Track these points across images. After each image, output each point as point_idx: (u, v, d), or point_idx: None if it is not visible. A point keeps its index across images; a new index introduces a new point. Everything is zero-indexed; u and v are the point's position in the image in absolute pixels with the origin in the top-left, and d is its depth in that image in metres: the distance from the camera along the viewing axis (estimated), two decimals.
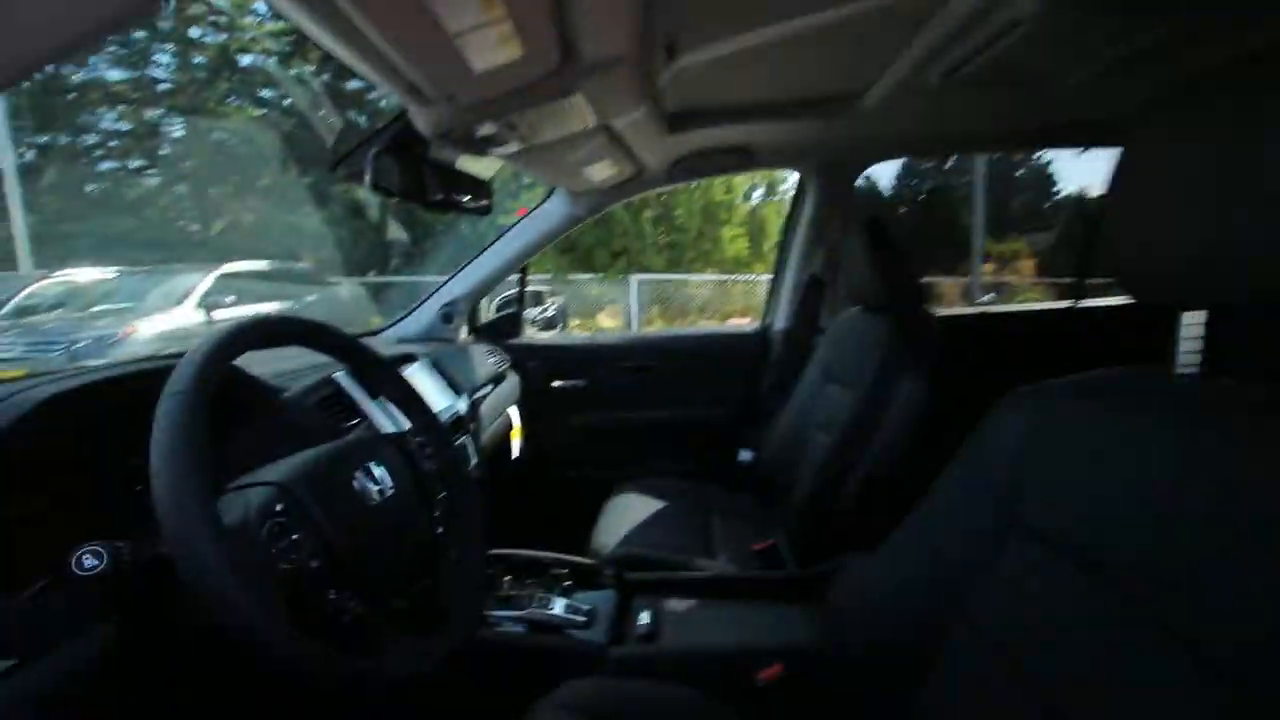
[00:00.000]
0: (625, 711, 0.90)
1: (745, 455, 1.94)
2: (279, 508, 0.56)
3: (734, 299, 10.55)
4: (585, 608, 1.16)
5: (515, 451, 1.91)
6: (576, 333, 2.25)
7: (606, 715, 0.88)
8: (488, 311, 2.19)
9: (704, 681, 0.97)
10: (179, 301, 5.94)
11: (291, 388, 0.94)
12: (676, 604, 1.25)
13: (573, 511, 2.13)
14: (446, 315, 1.96)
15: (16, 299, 6.02)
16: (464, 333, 2.02)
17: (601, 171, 1.57)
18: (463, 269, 1.97)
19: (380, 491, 0.69)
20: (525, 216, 1.94)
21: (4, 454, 0.58)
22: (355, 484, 0.66)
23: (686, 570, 1.38)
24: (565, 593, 1.23)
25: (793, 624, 1.15)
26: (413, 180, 1.10)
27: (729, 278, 11.06)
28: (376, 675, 0.56)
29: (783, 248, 2.13)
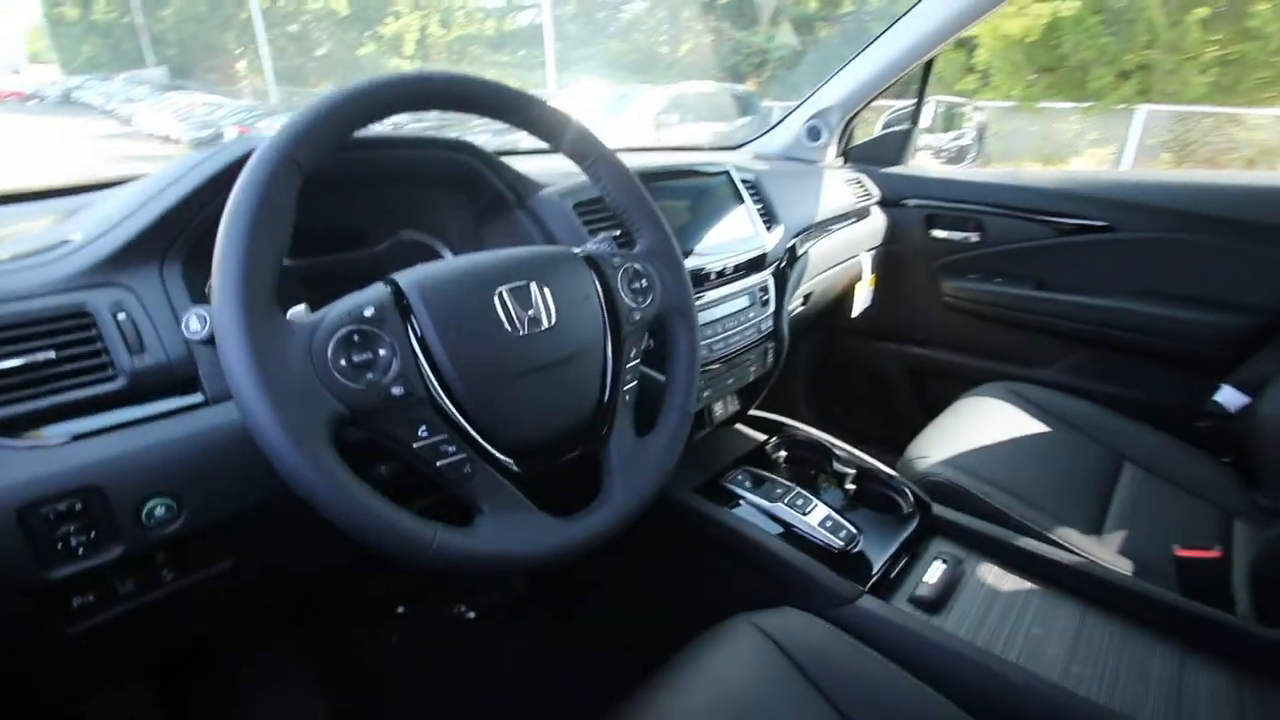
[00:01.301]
0: (852, 689, 0.65)
1: (1229, 398, 1.18)
2: (369, 312, 0.45)
3: None
4: (853, 529, 0.88)
5: (857, 308, 1.56)
6: (995, 169, 1.60)
7: (827, 680, 0.66)
8: (875, 130, 1.73)
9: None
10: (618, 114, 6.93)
11: (556, 184, 0.83)
12: (993, 575, 0.86)
13: (903, 403, 1.72)
14: (812, 130, 1.61)
15: None
16: (832, 154, 1.64)
17: None
18: (840, 70, 1.54)
19: (532, 320, 0.53)
20: None
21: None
22: (497, 304, 0.51)
23: (1034, 534, 0.93)
24: (843, 501, 0.96)
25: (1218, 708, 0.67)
26: None
27: None
28: (453, 557, 0.45)
29: None
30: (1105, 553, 0.92)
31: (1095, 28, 8.69)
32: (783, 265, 1.14)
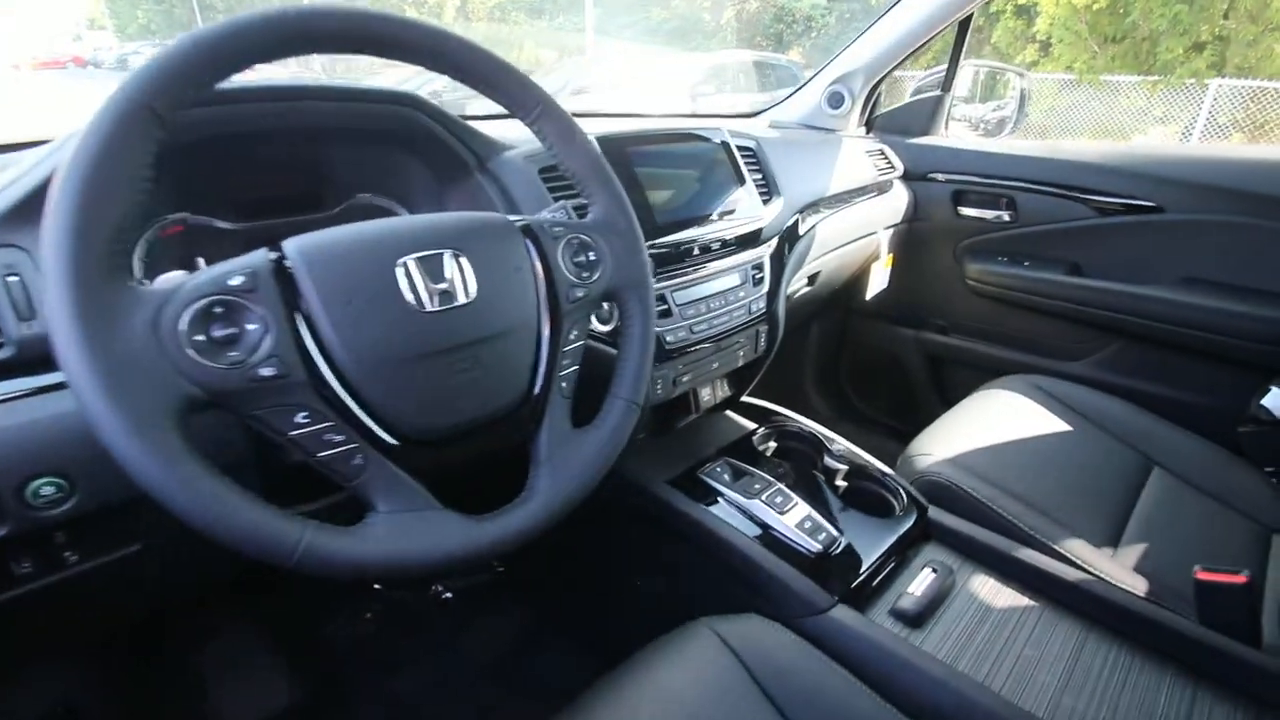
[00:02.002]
0: (809, 706, 0.60)
1: (1277, 402, 1.06)
2: (237, 281, 0.39)
3: None
4: (834, 532, 0.81)
5: (871, 290, 1.46)
6: (1034, 142, 1.47)
7: (784, 694, 0.60)
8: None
9: None
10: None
11: (518, 148, 0.77)
12: (988, 588, 0.79)
13: (920, 393, 1.62)
14: (834, 97, 1.49)
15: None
16: (854, 122, 1.53)
17: None
18: (866, 30, 1.42)
19: (444, 294, 0.47)
20: None
21: None
22: (400, 275, 0.45)
23: (1038, 545, 0.84)
24: (832, 499, 0.90)
25: None
26: None
27: None
28: (328, 559, 0.40)
29: None
30: (1118, 569, 0.83)
31: None
32: (782, 242, 1.05)
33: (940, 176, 1.48)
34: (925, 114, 1.51)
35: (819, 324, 1.70)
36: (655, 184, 0.84)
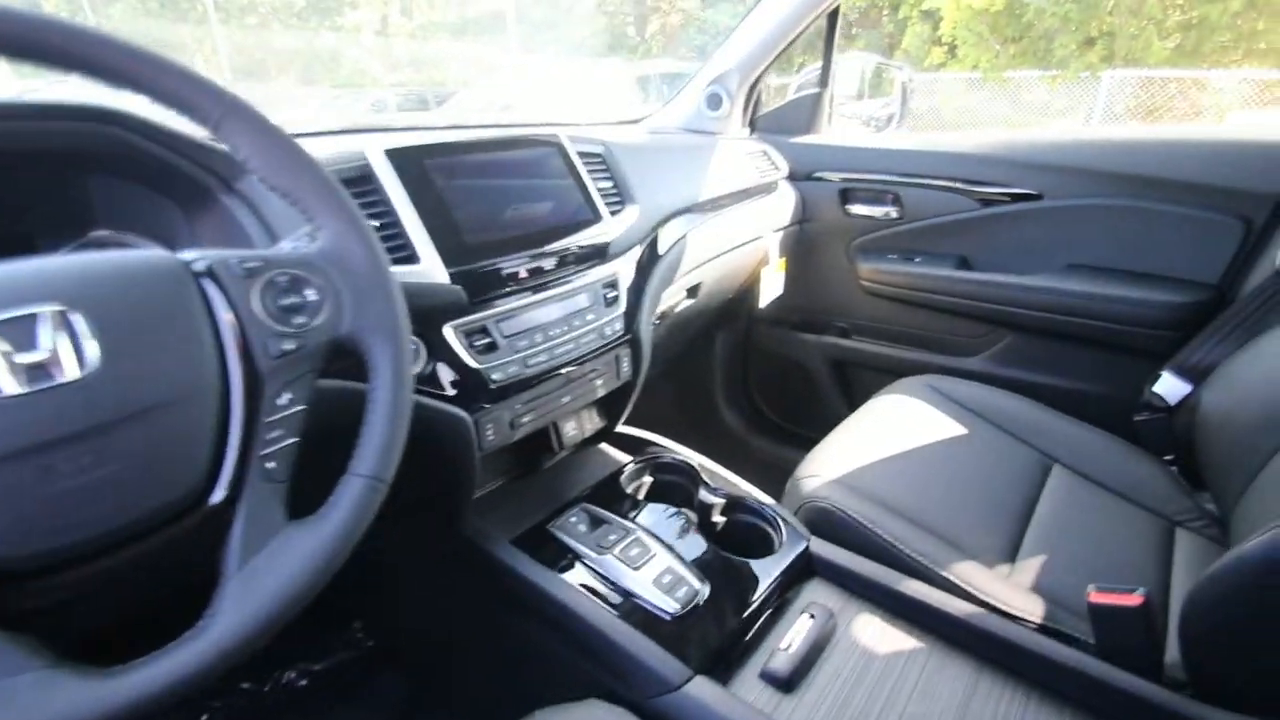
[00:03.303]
0: None
1: (1169, 387, 1.02)
2: None
3: None
4: (695, 585, 0.70)
5: (765, 298, 1.39)
6: (915, 135, 1.42)
7: None
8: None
9: None
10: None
11: None
12: (871, 631, 0.70)
13: (829, 401, 1.55)
14: (712, 98, 1.42)
15: None
16: (736, 124, 1.46)
17: None
18: (737, 27, 1.35)
19: (33, 370, 0.34)
20: None
21: None
22: None
23: (926, 575, 0.76)
24: (705, 539, 0.79)
25: None
26: None
27: None
28: None
29: None
30: (1012, 592, 0.75)
31: None
32: (644, 255, 0.96)
33: (826, 175, 1.42)
34: (806, 112, 1.46)
35: (723, 335, 1.62)
36: (467, 200, 0.73)
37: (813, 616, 0.70)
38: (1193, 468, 0.97)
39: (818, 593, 0.76)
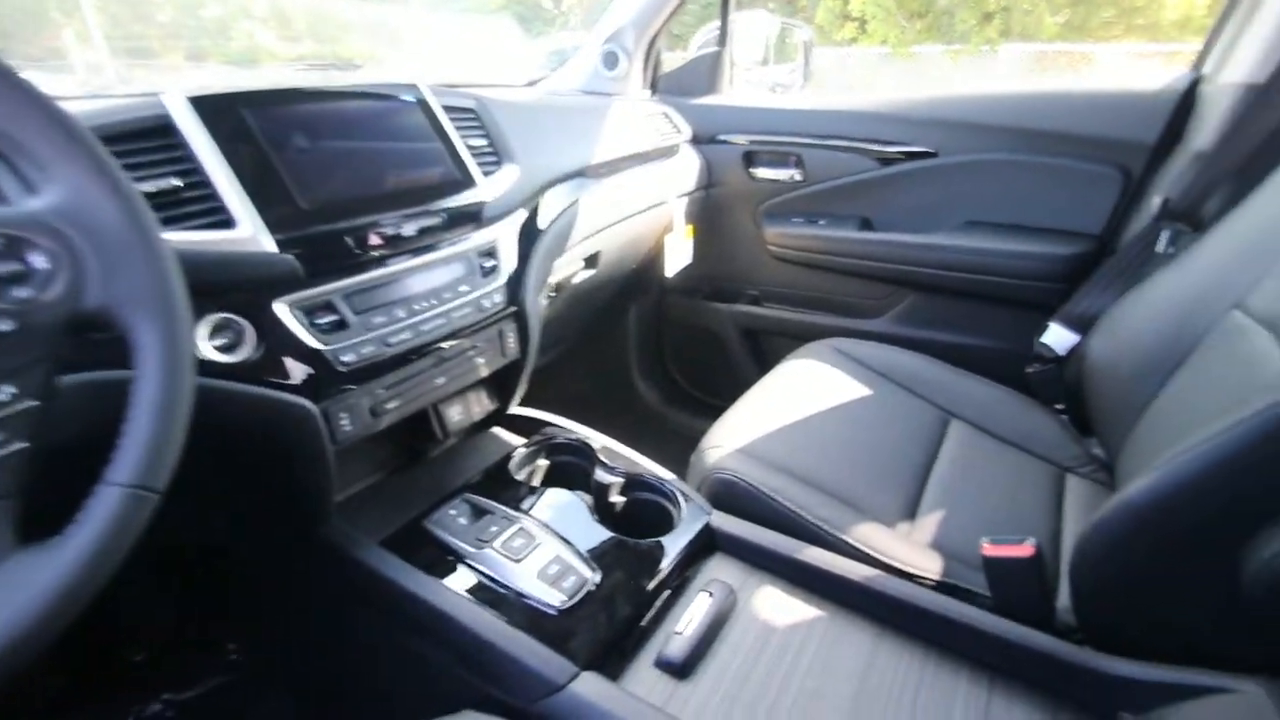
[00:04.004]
0: None
1: (1057, 338, 1.04)
2: None
3: None
4: (585, 574, 0.65)
5: (673, 266, 1.34)
6: (815, 95, 1.38)
7: None
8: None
9: None
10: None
11: None
12: (771, 605, 0.67)
13: (743, 370, 1.52)
14: (609, 58, 1.34)
15: None
16: (636, 84, 1.39)
17: None
18: None
19: None
20: None
21: None
22: None
23: (826, 541, 0.74)
24: (598, 523, 0.74)
25: None
26: None
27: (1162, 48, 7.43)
28: None
29: None
30: (911, 551, 0.74)
31: None
32: (527, 221, 0.88)
33: (728, 138, 1.37)
34: (705, 72, 1.41)
35: (637, 307, 1.56)
36: (301, 157, 0.63)
37: (711, 594, 0.66)
38: (1081, 415, 0.99)
39: (719, 569, 0.72)
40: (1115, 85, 1.09)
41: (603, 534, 0.72)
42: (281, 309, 0.58)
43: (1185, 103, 0.99)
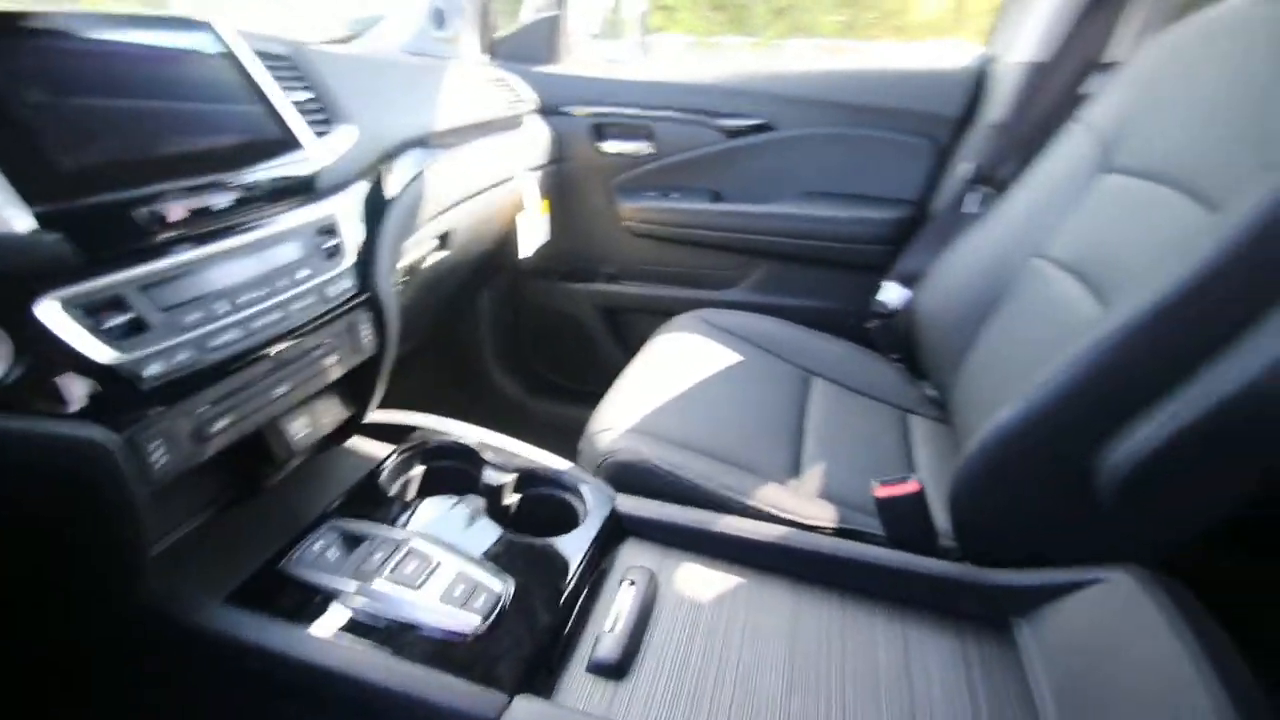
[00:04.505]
0: None
1: (891, 295, 1.15)
2: None
3: None
4: (495, 588, 0.57)
5: (527, 246, 1.26)
6: (662, 67, 1.36)
7: None
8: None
9: None
10: None
11: None
12: (695, 583, 0.64)
13: (607, 353, 1.49)
14: (437, 15, 1.21)
15: None
16: (471, 47, 1.27)
17: None
18: None
19: None
20: None
21: None
22: None
23: (734, 507, 0.74)
24: (497, 527, 0.66)
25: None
26: None
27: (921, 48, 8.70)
28: None
29: None
30: (807, 503, 0.76)
31: None
32: (370, 192, 0.75)
33: (575, 110, 1.32)
34: (544, 38, 1.33)
35: (489, 293, 1.45)
36: (60, 106, 0.46)
37: (633, 583, 0.63)
38: (916, 362, 1.11)
39: (634, 554, 0.68)
40: (923, 64, 1.22)
41: (506, 539, 0.65)
42: (50, 309, 0.43)
43: (980, 80, 1.13)
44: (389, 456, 0.74)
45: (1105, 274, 0.71)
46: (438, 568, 0.57)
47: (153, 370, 0.48)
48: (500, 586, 0.58)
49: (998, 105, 1.07)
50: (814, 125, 1.25)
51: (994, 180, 1.03)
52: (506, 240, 1.26)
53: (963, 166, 1.09)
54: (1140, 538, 0.57)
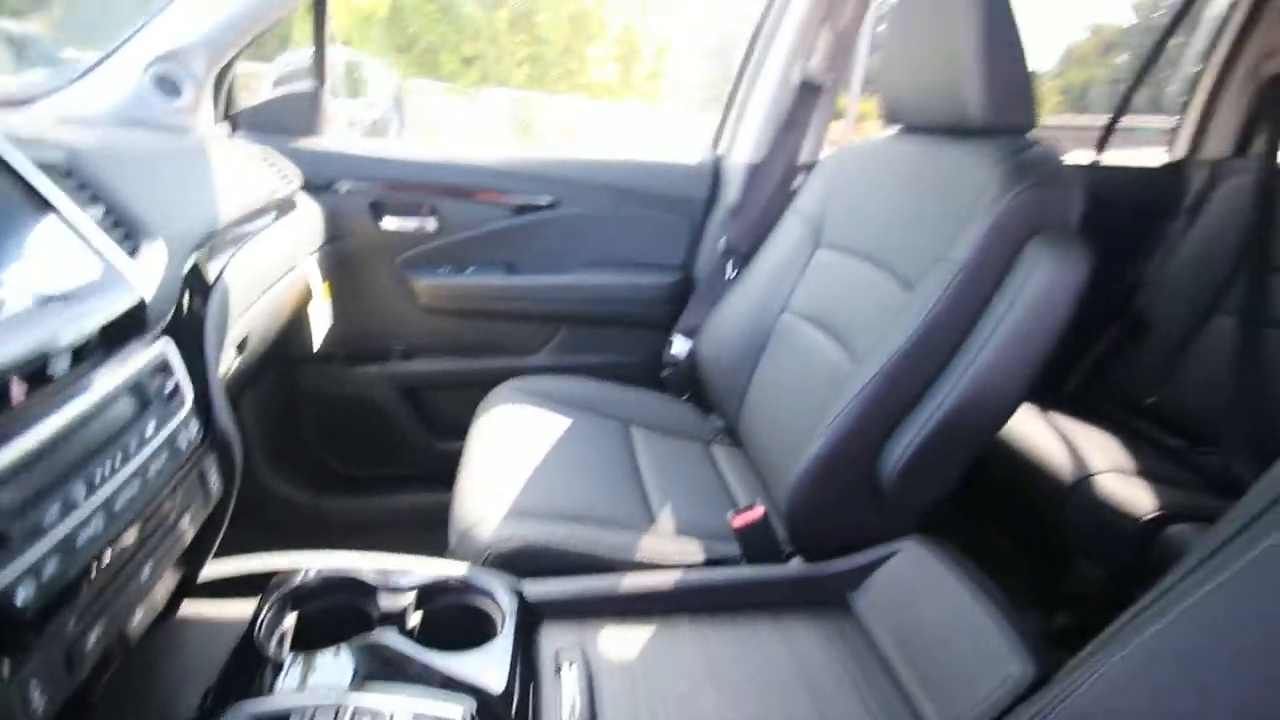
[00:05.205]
0: None
1: (679, 346, 1.36)
2: None
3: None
4: (455, 715, 0.56)
5: (319, 337, 1.15)
6: (441, 146, 1.37)
7: None
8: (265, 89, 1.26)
9: None
10: None
11: None
12: (619, 644, 0.71)
13: (411, 434, 1.45)
14: (164, 82, 1.03)
15: None
16: (207, 118, 1.11)
17: None
18: None
19: None
20: None
21: None
22: None
23: (626, 564, 0.82)
24: (414, 653, 0.63)
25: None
26: None
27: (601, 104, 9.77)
28: None
29: (754, 36, 1.40)
30: (673, 543, 0.88)
31: (433, 14, 9.60)
32: (192, 311, 0.65)
33: (348, 186, 1.25)
34: (303, 110, 1.24)
35: (252, 393, 1.26)
36: None
37: (571, 664, 0.67)
38: (703, 400, 1.33)
39: (556, 637, 0.72)
40: (673, 157, 1.47)
41: (440, 662, 0.63)
42: None
43: (716, 173, 1.42)
44: (260, 612, 0.64)
45: (839, 325, 0.98)
46: (393, 718, 0.54)
47: (24, 594, 0.37)
48: (461, 709, 0.57)
49: (731, 194, 1.37)
50: (589, 205, 1.40)
51: (741, 252, 1.31)
52: (291, 332, 1.13)
53: (720, 241, 1.36)
54: (914, 509, 0.82)
